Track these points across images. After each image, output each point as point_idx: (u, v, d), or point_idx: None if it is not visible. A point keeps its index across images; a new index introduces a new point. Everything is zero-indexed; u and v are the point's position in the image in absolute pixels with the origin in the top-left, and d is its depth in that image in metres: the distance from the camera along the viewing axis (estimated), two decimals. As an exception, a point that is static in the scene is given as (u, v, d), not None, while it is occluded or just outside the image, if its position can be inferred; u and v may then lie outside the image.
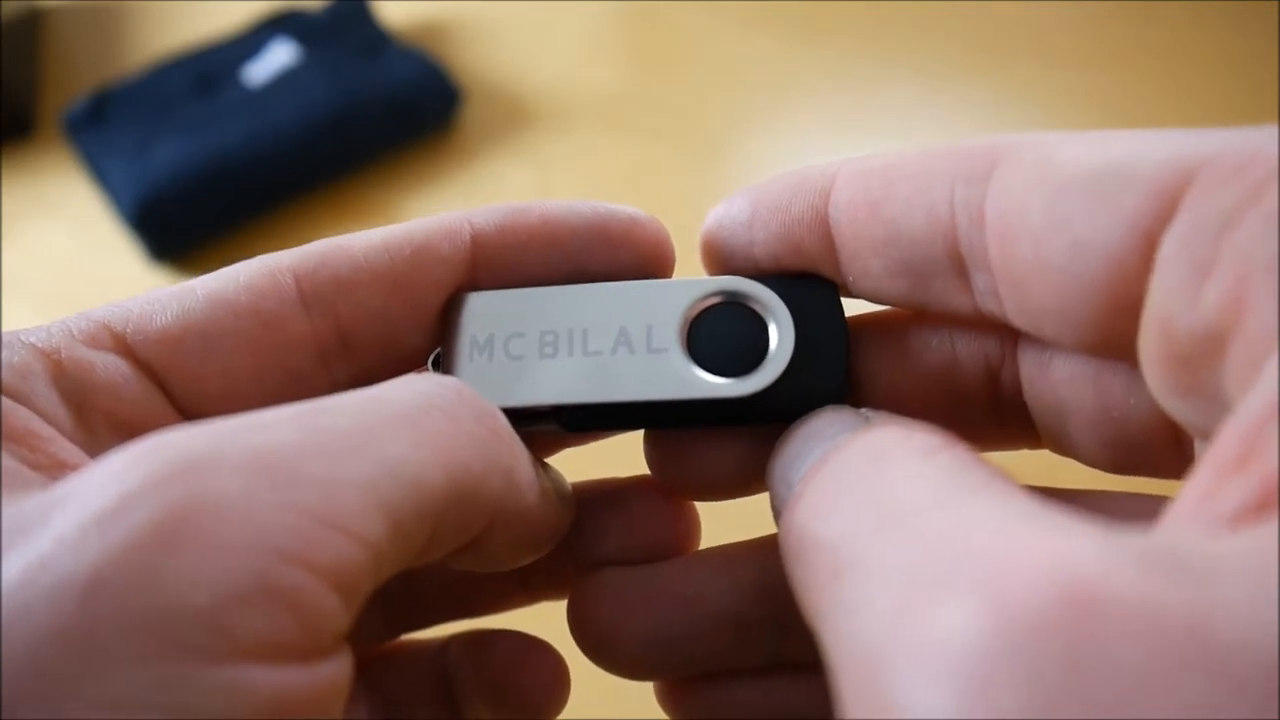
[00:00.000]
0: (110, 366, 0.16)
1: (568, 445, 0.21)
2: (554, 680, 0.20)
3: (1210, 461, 0.11)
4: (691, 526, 0.20)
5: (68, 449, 0.15)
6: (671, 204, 0.54)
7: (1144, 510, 0.17)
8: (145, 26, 0.69)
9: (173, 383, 0.17)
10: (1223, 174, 0.12)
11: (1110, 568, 0.09)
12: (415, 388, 0.15)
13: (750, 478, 0.18)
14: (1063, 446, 0.17)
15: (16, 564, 0.11)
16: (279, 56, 0.59)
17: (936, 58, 0.61)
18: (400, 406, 0.14)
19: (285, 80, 0.57)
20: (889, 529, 0.12)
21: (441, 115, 0.58)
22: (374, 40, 0.60)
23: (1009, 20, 0.62)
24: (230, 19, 0.64)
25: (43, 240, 0.57)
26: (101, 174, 0.56)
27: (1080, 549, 0.10)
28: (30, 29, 0.67)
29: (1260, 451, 0.11)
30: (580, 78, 0.62)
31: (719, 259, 0.18)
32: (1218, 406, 0.13)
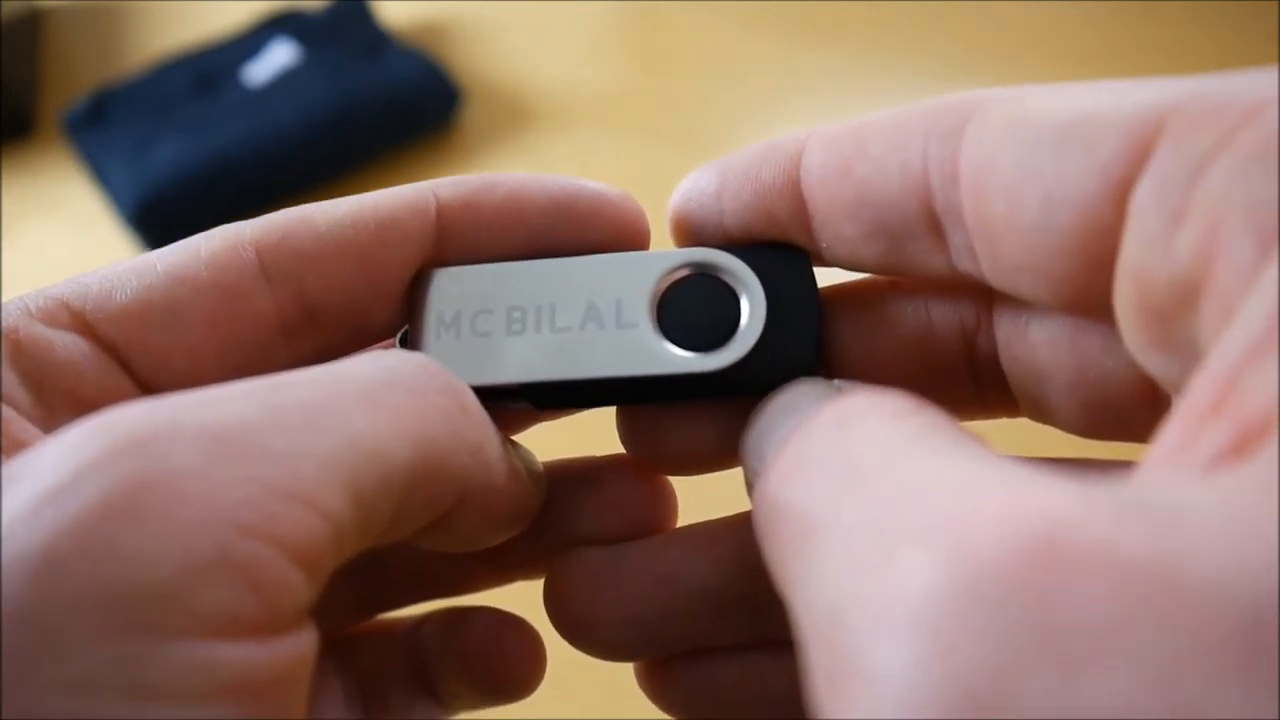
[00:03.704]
0: (69, 345, 0.16)
1: (539, 421, 0.20)
2: (530, 657, 0.20)
3: (1183, 411, 0.11)
4: (668, 504, 0.19)
5: (27, 429, 0.15)
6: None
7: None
8: (145, 26, 0.69)
9: (134, 360, 0.16)
10: (1194, 119, 0.12)
11: (1076, 516, 0.09)
12: (380, 363, 0.15)
13: (725, 451, 0.18)
14: (1040, 412, 0.17)
15: None
16: (279, 56, 0.59)
17: (936, 58, 0.61)
18: (364, 381, 0.14)
19: (285, 80, 0.58)
20: (855, 489, 0.11)
21: (441, 115, 0.58)
22: (374, 40, 0.60)
23: (1009, 20, 0.62)
24: (230, 19, 0.64)
25: (43, 240, 0.57)
26: (101, 174, 0.56)
27: (1046, 499, 0.10)
28: (30, 29, 0.67)
29: (1233, 395, 0.10)
30: (580, 78, 0.62)
31: (688, 232, 0.18)
32: (1193, 359, 0.12)
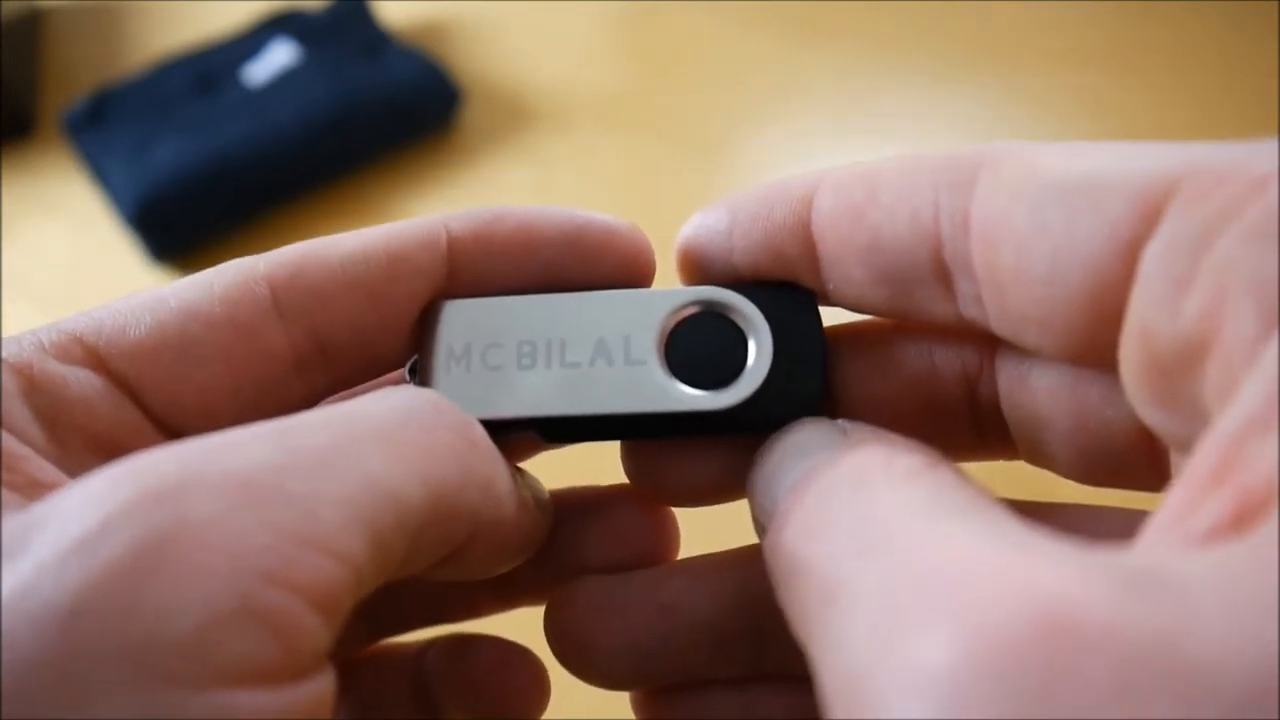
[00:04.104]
0: (83, 381, 0.16)
1: (544, 449, 0.21)
2: (534, 687, 0.20)
3: (1187, 477, 0.11)
4: (670, 536, 0.20)
5: (43, 468, 0.15)
6: (671, 204, 0.53)
7: (1126, 525, 0.17)
8: (145, 26, 0.69)
9: (147, 395, 0.17)
10: (1204, 187, 0.12)
11: (1085, 591, 0.10)
12: (391, 401, 0.15)
13: (728, 485, 0.18)
14: (1039, 458, 0.17)
15: None
16: (279, 56, 0.59)
17: (937, 58, 0.61)
18: (377, 421, 0.14)
19: (285, 80, 0.57)
20: (874, 554, 0.12)
21: (441, 115, 0.58)
22: (374, 40, 0.60)
23: (1009, 20, 0.62)
24: (230, 19, 0.64)
25: (43, 240, 0.57)
26: (101, 174, 0.56)
27: (1056, 573, 0.10)
28: (30, 29, 0.67)
29: (1235, 467, 0.11)
30: (580, 78, 0.62)
31: (695, 269, 0.18)
32: (1196, 418, 0.13)
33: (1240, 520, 0.10)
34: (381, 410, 0.15)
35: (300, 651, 0.12)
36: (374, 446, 0.14)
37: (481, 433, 0.16)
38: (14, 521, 0.12)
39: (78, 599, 0.11)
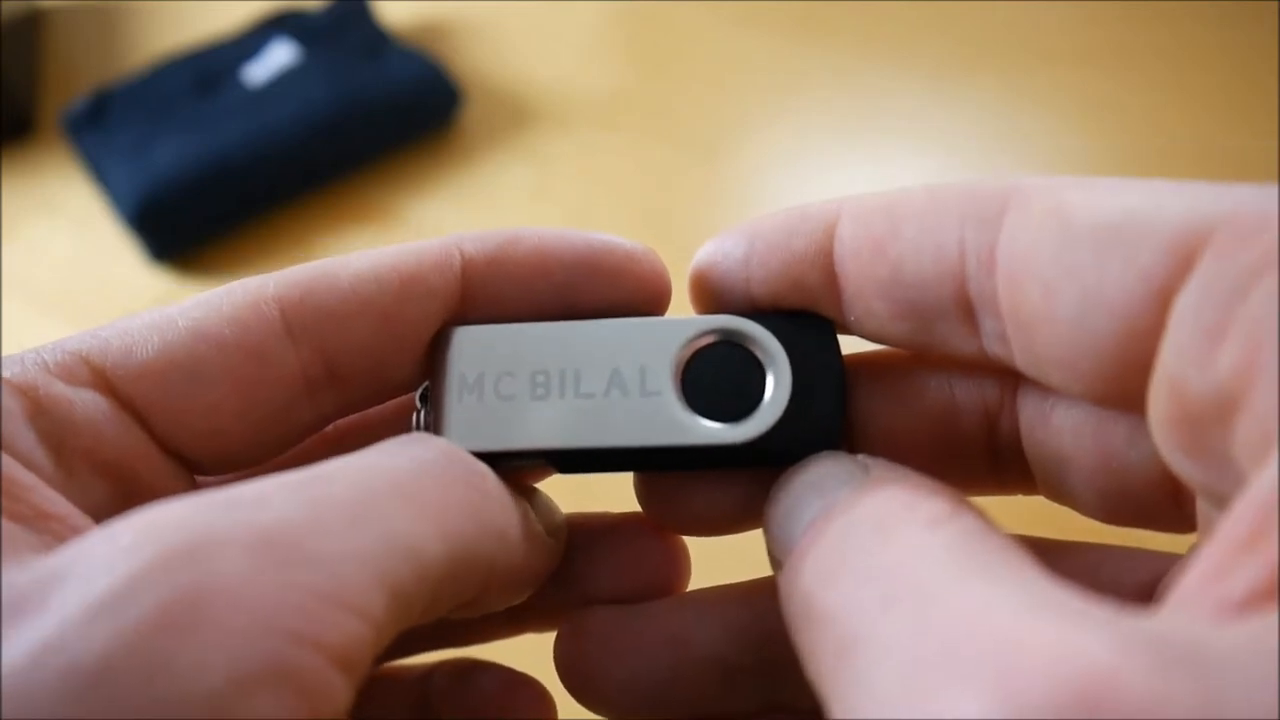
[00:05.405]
0: (89, 403, 0.16)
1: (556, 473, 0.20)
2: (540, 716, 0.20)
3: (1220, 538, 0.11)
4: (682, 566, 0.19)
5: (50, 497, 0.14)
6: (671, 204, 0.54)
7: (1150, 568, 0.17)
8: (145, 26, 0.69)
9: (155, 419, 0.16)
10: (1241, 234, 0.12)
11: (1122, 661, 0.09)
12: (408, 454, 0.15)
13: (743, 517, 0.18)
14: (1059, 495, 0.17)
15: (19, 646, 0.11)
16: (279, 57, 0.59)
17: (937, 58, 0.61)
18: (395, 474, 0.14)
19: (285, 80, 0.57)
20: (897, 607, 0.12)
21: (441, 115, 0.58)
22: (374, 40, 0.60)
23: (1009, 20, 0.62)
24: (230, 19, 0.63)
25: (43, 240, 0.57)
26: (101, 174, 0.56)
27: (1091, 640, 0.10)
28: (30, 29, 0.67)
29: (1269, 532, 0.10)
30: (580, 78, 0.62)
31: (709, 296, 0.18)
32: (1225, 469, 0.12)
33: (1272, 591, 0.10)
34: (398, 464, 0.15)
35: (324, 712, 0.12)
36: (394, 502, 0.14)
37: (494, 481, 0.16)
38: (32, 572, 0.12)
39: (106, 658, 0.11)
